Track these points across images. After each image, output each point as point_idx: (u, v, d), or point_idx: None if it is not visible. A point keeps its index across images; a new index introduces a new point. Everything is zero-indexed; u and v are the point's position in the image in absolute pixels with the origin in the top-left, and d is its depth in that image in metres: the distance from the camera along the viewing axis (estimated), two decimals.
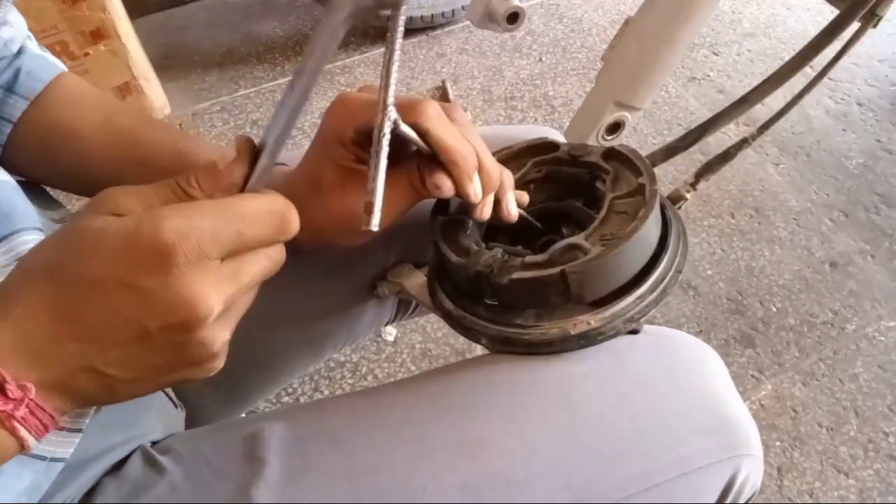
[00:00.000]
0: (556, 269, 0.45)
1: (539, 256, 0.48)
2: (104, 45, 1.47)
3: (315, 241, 0.46)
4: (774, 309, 1.26)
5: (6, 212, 0.42)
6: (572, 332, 0.47)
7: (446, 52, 1.82)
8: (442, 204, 0.54)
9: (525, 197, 0.54)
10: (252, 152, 0.35)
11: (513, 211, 0.50)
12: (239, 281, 0.32)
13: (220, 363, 0.33)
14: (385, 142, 0.38)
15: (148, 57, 1.74)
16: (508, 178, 0.49)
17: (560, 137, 0.75)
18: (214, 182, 0.33)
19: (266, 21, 1.95)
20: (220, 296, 0.30)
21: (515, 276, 0.46)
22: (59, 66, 0.55)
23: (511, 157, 0.60)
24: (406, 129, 0.42)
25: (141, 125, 0.54)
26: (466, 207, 0.48)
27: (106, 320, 0.29)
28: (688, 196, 0.94)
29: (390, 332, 1.20)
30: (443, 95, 1.70)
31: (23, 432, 0.29)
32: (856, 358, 1.19)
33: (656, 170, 0.55)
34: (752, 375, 1.17)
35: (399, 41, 0.40)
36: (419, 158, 0.44)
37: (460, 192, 0.44)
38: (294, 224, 0.34)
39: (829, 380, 1.17)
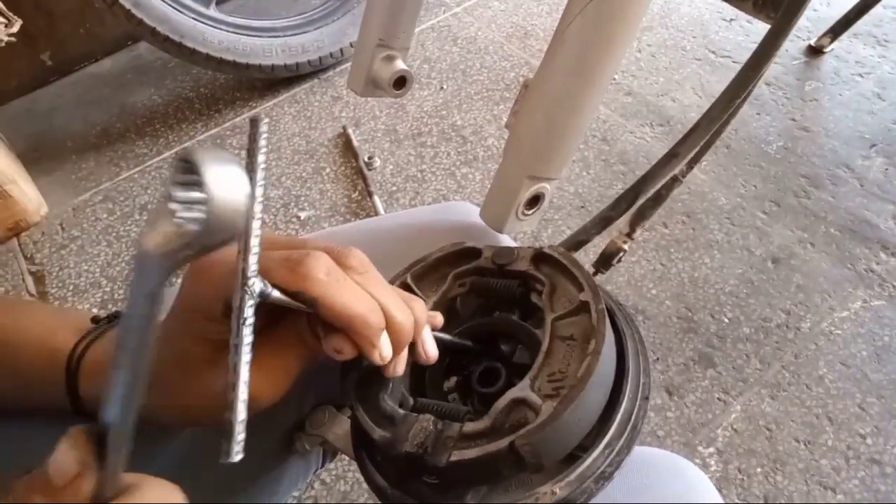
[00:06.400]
0: (504, 443, 0.36)
1: (480, 423, 0.38)
2: None
3: (190, 425, 0.39)
4: (726, 320, 1.21)
5: None
6: None
7: (342, 94, 1.71)
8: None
9: (439, 320, 0.45)
10: (94, 446, 0.27)
11: (431, 352, 0.41)
12: None
13: None
14: (248, 331, 0.30)
15: (14, 152, 1.57)
16: (421, 311, 0.40)
17: (474, 213, 0.66)
18: (64, 500, 0.26)
19: (141, 90, 1.79)
20: None
21: (455, 457, 0.37)
22: None
23: (427, 270, 0.51)
24: (278, 295, 0.32)
25: None
26: None
27: None
28: (625, 247, 0.86)
29: None
30: (346, 143, 1.59)
31: None
32: (817, 358, 1.14)
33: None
34: (719, 398, 1.11)
35: (261, 187, 0.30)
36: (308, 318, 0.36)
37: (365, 357, 0.36)
38: None
39: (796, 388, 1.11)
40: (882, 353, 1.14)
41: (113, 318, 0.44)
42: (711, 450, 1.05)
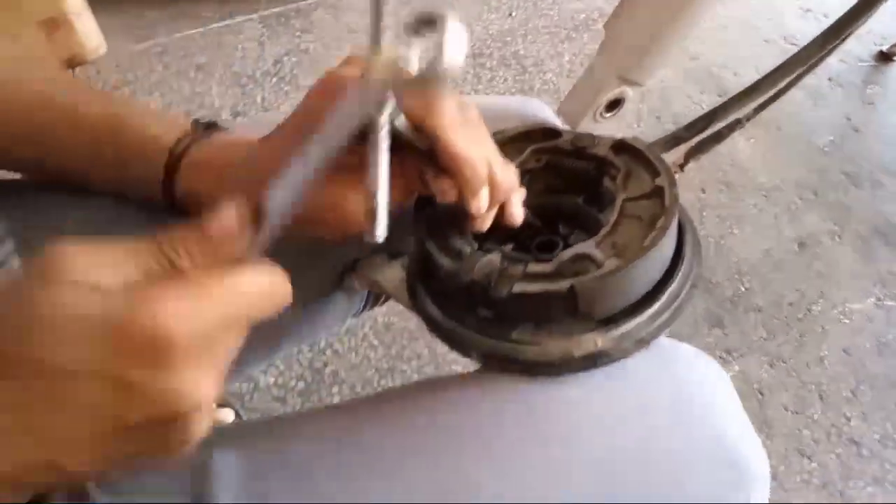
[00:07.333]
0: (565, 284, 0.39)
1: (544, 266, 0.41)
2: None
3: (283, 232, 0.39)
4: (743, 288, 1.24)
5: None
6: (576, 354, 0.41)
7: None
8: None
9: (522, 192, 0.47)
10: (253, 219, 0.29)
11: (518, 215, 0.44)
12: (229, 359, 0.27)
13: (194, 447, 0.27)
14: (385, 136, 0.32)
15: None
16: (516, 177, 0.42)
17: (549, 111, 0.68)
18: (211, 254, 0.27)
19: None
20: (214, 382, 0.26)
21: (517, 289, 0.40)
22: None
23: (506, 141, 0.52)
24: (401, 126, 0.35)
25: (62, 85, 0.44)
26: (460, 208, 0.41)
27: (76, 416, 0.23)
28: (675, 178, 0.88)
29: None
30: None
31: None
32: (822, 340, 1.18)
33: None
34: (720, 356, 1.15)
35: None
36: (417, 155, 0.38)
37: (463, 203, 0.39)
38: (288, 298, 0.29)
39: (796, 362, 1.15)
40: (884, 349, 1.18)
41: (210, 125, 0.45)
42: None
